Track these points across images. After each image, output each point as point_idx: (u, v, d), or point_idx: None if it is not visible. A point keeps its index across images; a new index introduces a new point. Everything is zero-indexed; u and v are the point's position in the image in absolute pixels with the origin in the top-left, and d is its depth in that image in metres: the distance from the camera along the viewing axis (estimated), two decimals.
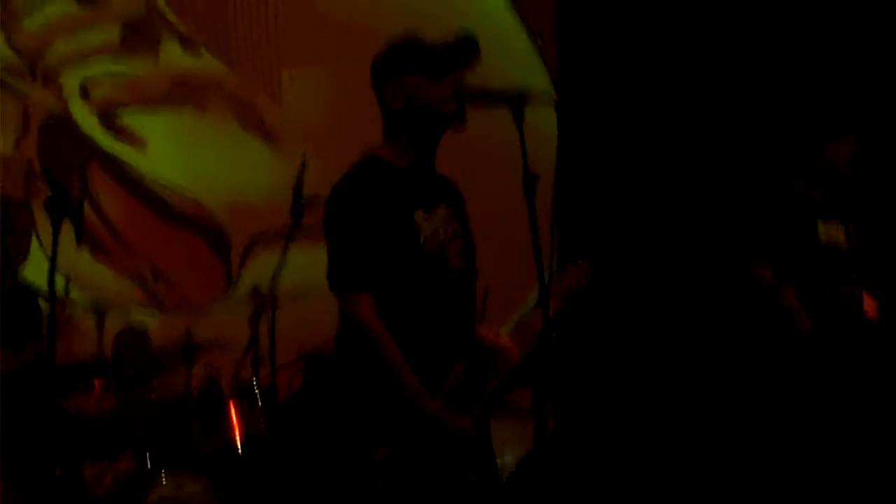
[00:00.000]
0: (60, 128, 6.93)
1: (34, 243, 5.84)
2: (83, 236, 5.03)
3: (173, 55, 7.17)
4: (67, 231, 4.76)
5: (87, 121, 7.00)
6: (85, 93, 7.01)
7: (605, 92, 7.68)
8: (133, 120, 7.13)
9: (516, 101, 4.05)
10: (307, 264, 5.02)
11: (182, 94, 7.18)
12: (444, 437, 3.98)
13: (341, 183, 4.14)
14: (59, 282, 4.74)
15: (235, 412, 5.70)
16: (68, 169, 6.80)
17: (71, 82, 6.98)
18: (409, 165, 4.17)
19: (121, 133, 7.07)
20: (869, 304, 5.72)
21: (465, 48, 4.22)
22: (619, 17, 7.74)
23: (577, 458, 6.66)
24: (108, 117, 7.05)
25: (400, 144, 4.18)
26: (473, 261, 4.25)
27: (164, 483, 5.57)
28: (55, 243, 4.85)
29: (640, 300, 7.29)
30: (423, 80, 4.12)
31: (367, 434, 3.99)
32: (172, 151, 7.22)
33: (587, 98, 7.70)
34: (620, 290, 7.00)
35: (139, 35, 7.13)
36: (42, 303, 5.81)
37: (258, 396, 5.80)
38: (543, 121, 4.36)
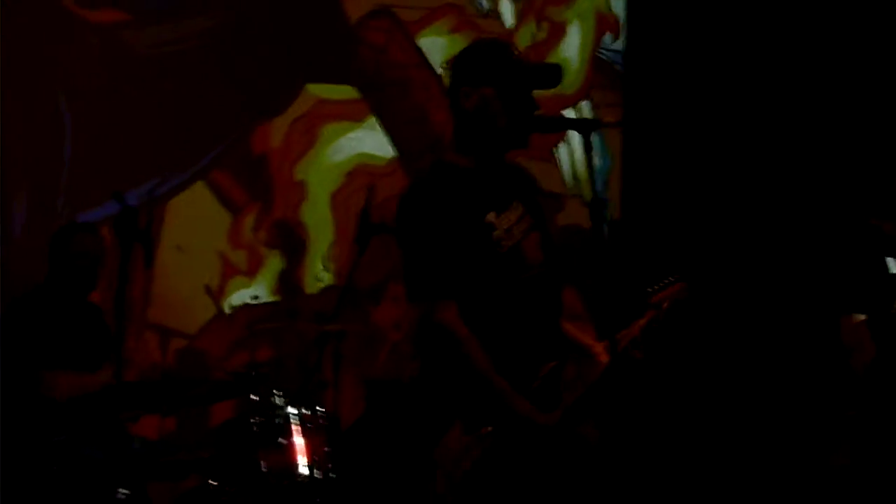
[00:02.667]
0: None
1: None
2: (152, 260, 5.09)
3: None
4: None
5: None
6: None
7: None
8: None
9: (586, 128, 4.08)
10: None
11: None
12: (533, 436, 3.95)
13: (410, 190, 4.13)
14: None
15: (299, 436, 5.69)
16: None
17: None
18: (476, 166, 4.14)
19: None
20: None
21: (551, 75, 4.23)
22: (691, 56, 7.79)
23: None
24: None
25: (466, 146, 4.16)
26: (553, 252, 4.22)
27: None
28: (124, 265, 4.91)
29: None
30: (502, 93, 4.11)
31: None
32: None
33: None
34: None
35: None
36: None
37: (321, 421, 5.79)
38: None
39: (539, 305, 4.11)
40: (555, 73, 4.21)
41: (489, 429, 3.93)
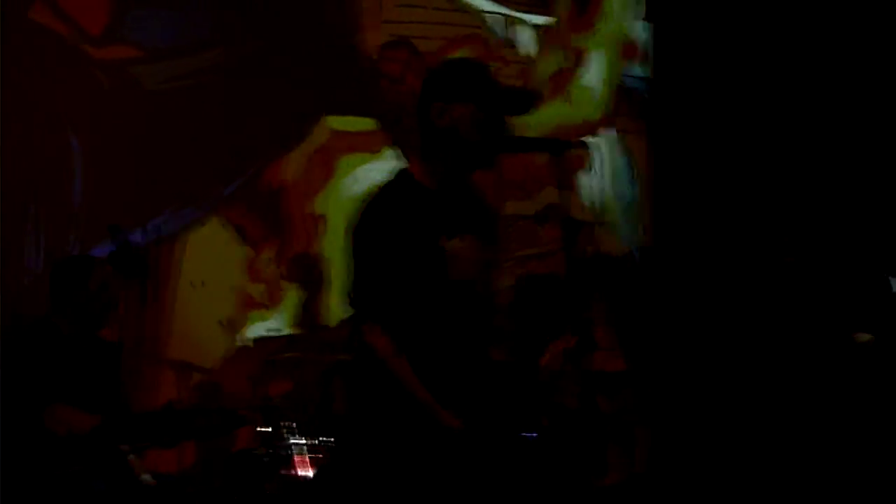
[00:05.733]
0: None
1: None
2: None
3: None
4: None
5: None
6: None
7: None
8: None
9: (555, 148, 4.05)
10: None
11: None
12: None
13: (372, 201, 4.09)
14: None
15: (307, 468, 5.69)
16: None
17: None
18: (440, 188, 4.10)
19: None
20: None
21: (525, 101, 4.21)
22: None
23: None
24: None
25: (432, 164, 4.12)
26: (496, 285, 4.20)
27: None
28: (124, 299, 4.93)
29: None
30: (475, 113, 4.07)
31: None
32: None
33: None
34: None
35: None
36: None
37: (329, 452, 5.78)
38: None
39: (476, 330, 4.10)
40: (529, 100, 4.20)
41: None
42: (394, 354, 3.93)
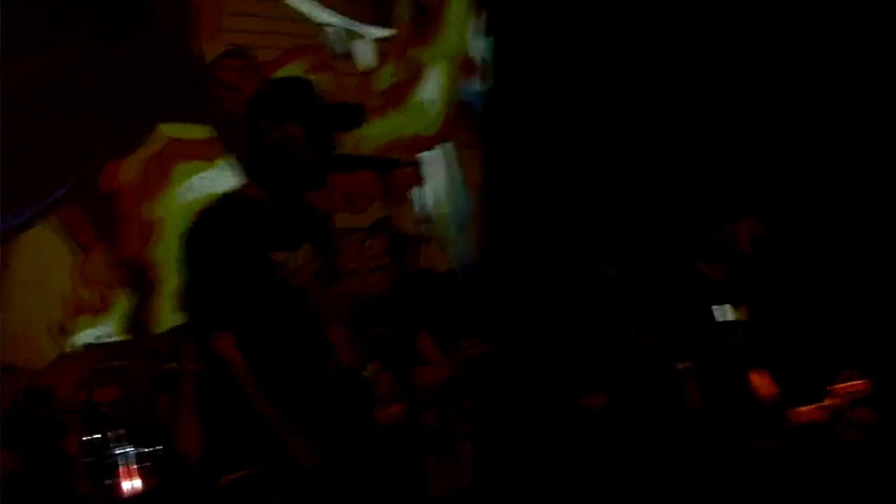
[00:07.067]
0: None
1: None
2: None
3: None
4: None
5: None
6: None
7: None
8: None
9: (384, 167, 4.11)
10: None
11: None
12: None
13: (202, 216, 4.10)
14: None
15: (133, 476, 5.67)
16: None
17: None
18: (273, 203, 4.13)
19: None
20: (764, 384, 5.73)
21: (353, 115, 4.26)
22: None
23: None
24: None
25: (263, 182, 4.14)
26: (336, 297, 4.25)
27: None
28: None
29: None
30: (302, 133, 4.10)
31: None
32: None
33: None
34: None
35: None
36: None
37: (154, 460, 5.78)
38: None
39: (319, 345, 4.14)
40: (357, 114, 4.24)
41: None
42: (242, 365, 3.95)
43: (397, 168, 4.21)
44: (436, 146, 7.99)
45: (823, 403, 5.47)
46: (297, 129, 4.10)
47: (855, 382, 5.47)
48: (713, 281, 5.62)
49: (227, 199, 4.15)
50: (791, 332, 6.53)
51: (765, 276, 5.89)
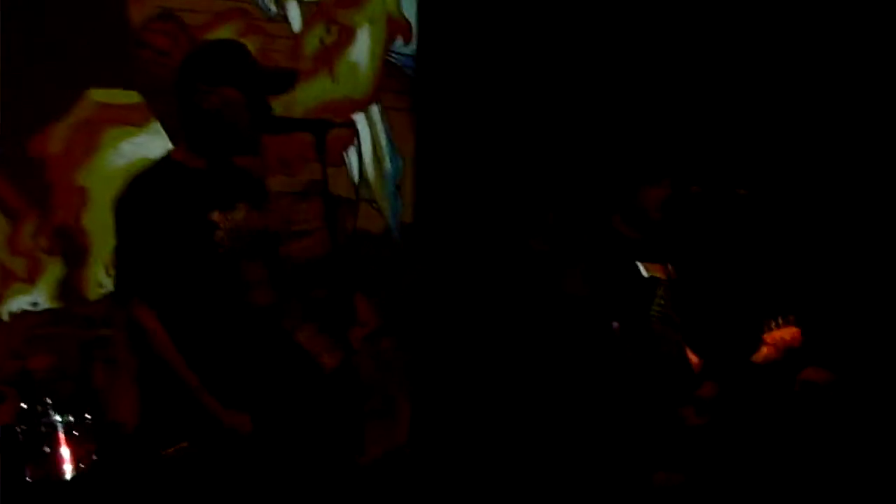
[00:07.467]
0: None
1: None
2: None
3: None
4: None
5: None
6: None
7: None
8: None
9: (318, 129, 4.11)
10: None
11: None
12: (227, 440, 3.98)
13: (132, 184, 4.08)
14: None
15: (64, 445, 5.64)
16: None
17: None
18: (207, 167, 4.12)
19: None
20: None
21: (285, 80, 4.26)
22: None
23: None
24: None
25: (198, 145, 4.13)
26: (278, 259, 4.25)
27: None
28: None
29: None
30: (239, 97, 4.10)
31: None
32: None
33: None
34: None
35: None
36: None
37: (90, 427, 5.74)
38: None
39: (253, 309, 4.14)
40: (289, 79, 4.25)
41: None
42: (162, 333, 3.95)
43: (332, 129, 4.22)
44: (365, 109, 7.96)
45: (761, 352, 5.54)
46: (234, 93, 4.12)
47: (788, 328, 5.54)
48: (631, 240, 5.73)
49: (158, 164, 4.16)
50: (713, 292, 6.60)
51: (679, 238, 5.97)
